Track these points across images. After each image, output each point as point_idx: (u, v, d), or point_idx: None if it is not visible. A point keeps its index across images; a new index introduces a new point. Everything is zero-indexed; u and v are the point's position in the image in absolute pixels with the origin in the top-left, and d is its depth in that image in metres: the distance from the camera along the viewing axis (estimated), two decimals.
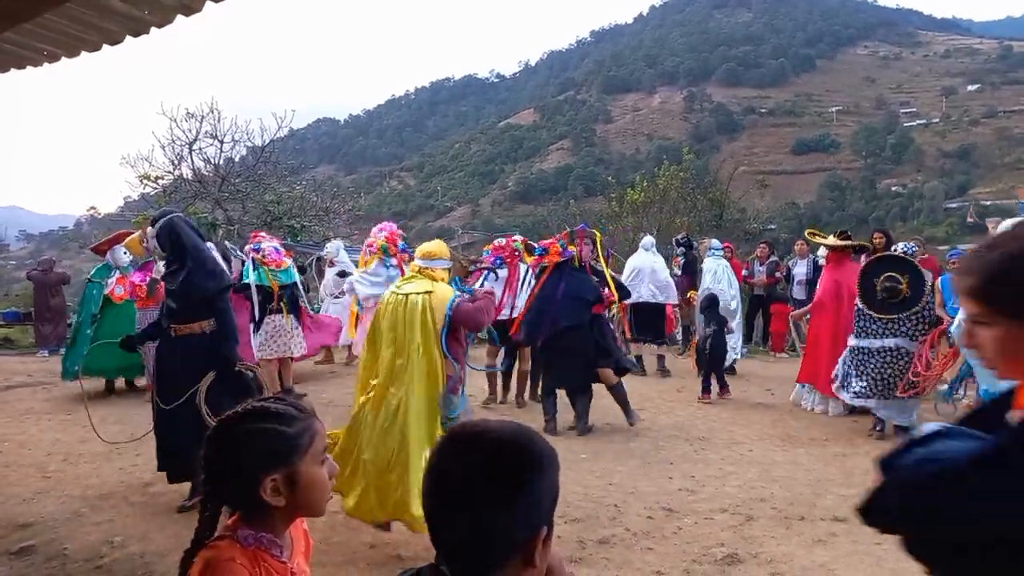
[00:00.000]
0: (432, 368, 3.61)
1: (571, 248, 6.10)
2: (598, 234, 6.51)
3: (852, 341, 5.93)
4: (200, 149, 13.42)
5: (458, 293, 3.74)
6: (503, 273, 6.56)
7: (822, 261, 8.20)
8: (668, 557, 3.55)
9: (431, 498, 1.06)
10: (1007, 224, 4.65)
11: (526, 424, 1.11)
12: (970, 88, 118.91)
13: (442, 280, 3.84)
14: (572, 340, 5.77)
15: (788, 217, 77.61)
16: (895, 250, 6.32)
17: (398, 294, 3.78)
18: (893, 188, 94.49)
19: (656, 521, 4.01)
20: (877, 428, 5.82)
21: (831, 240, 6.88)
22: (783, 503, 4.22)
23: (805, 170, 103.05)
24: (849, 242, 6.75)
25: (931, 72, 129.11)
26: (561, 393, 6.02)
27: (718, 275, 8.83)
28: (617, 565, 3.47)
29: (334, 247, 9.25)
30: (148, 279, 6.92)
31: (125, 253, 7.50)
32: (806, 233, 8.40)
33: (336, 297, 8.98)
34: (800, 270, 9.85)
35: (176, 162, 13.36)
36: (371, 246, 6.63)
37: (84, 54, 3.17)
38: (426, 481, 1.07)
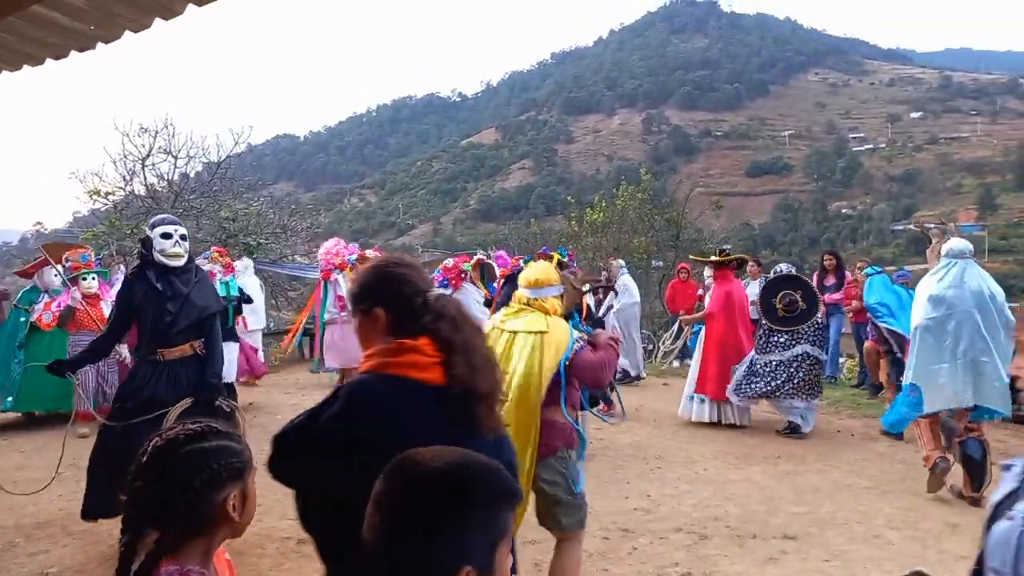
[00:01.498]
0: (527, 420, 2.94)
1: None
2: (555, 255, 6.56)
3: (758, 359, 6.48)
4: (153, 165, 13.13)
5: (578, 336, 3.05)
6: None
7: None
8: None
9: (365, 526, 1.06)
10: (955, 243, 4.91)
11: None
12: (913, 115, 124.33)
13: (554, 312, 3.14)
14: None
15: (743, 238, 79.61)
16: (779, 270, 7.05)
17: (502, 330, 3.12)
18: (843, 210, 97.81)
19: (612, 542, 4.02)
20: (790, 431, 6.42)
21: (712, 258, 7.46)
22: (737, 521, 4.27)
23: (759, 192, 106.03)
24: (728, 257, 7.31)
25: (877, 99, 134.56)
26: None
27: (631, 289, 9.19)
28: None
29: (242, 265, 8.71)
30: (64, 305, 6.60)
31: (56, 276, 7.08)
32: (690, 256, 9.40)
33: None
34: (753, 290, 10.07)
35: (128, 177, 13.04)
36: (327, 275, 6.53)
37: (27, 68, 3.09)
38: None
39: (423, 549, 1.00)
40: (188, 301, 3.89)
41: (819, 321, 6.52)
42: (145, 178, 13.16)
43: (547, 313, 3.10)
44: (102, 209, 13.53)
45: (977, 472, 4.51)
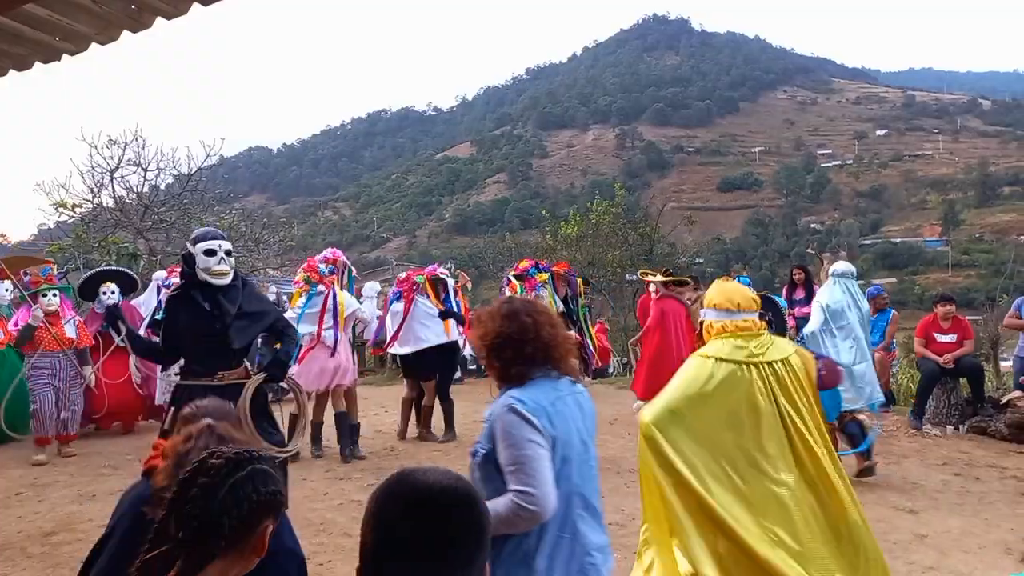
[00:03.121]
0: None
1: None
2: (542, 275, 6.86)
3: None
4: (122, 177, 12.91)
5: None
6: (399, 307, 6.82)
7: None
8: None
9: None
10: (839, 265, 5.90)
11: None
12: (879, 133, 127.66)
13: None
14: None
15: (715, 252, 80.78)
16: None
17: (755, 365, 2.63)
18: (812, 225, 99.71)
19: None
20: None
21: (658, 277, 8.07)
22: None
23: (731, 207, 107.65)
24: (672, 277, 8.13)
25: (844, 117, 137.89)
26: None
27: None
28: None
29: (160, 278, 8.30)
30: (24, 323, 6.20)
31: (7, 291, 6.85)
32: (639, 273, 9.79)
33: None
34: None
35: (96, 190, 12.80)
36: (298, 283, 6.18)
37: None
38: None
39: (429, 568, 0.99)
40: (243, 318, 3.59)
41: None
42: (114, 190, 12.94)
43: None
44: (68, 222, 13.26)
45: (859, 442, 5.15)
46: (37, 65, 2.74)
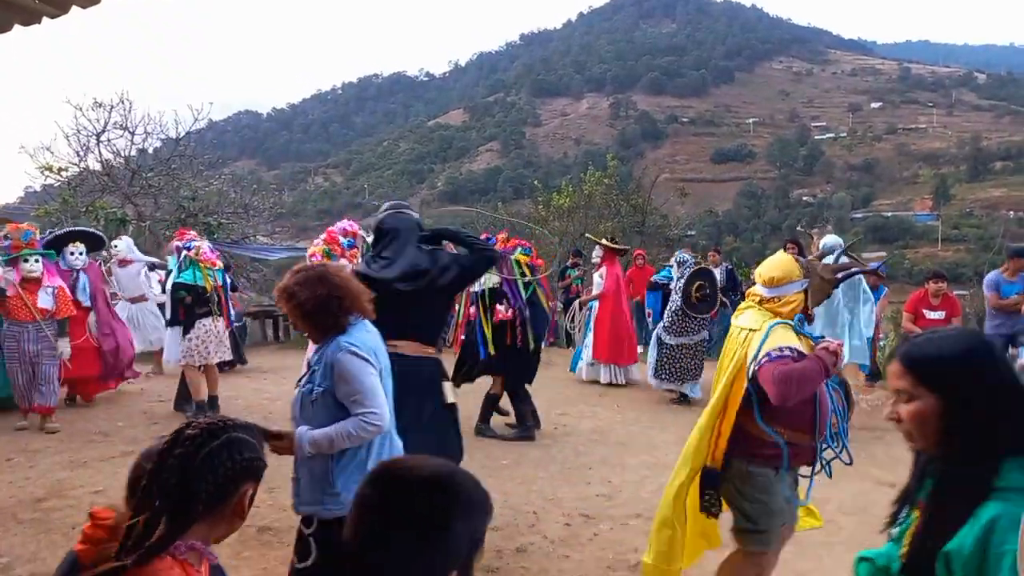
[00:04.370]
0: (703, 422, 2.79)
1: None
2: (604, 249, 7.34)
3: (670, 340, 7.21)
4: (109, 141, 12.69)
5: (776, 348, 2.61)
6: None
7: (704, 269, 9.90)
8: (584, 564, 3.61)
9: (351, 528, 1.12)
10: (828, 239, 6.31)
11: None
12: (874, 106, 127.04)
13: (789, 315, 2.78)
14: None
15: (707, 224, 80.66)
16: (684, 260, 7.79)
17: (734, 325, 2.94)
18: (804, 198, 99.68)
19: (573, 528, 4.08)
20: (682, 400, 7.31)
21: (604, 242, 8.80)
22: None
23: (724, 178, 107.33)
24: (617, 246, 8.88)
25: (839, 89, 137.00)
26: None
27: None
28: (534, 574, 3.50)
29: (124, 245, 8.18)
30: None
31: None
32: (585, 234, 10.64)
33: (135, 301, 8.01)
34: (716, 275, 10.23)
35: (82, 153, 12.59)
36: (313, 255, 5.50)
37: None
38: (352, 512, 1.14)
39: (413, 554, 1.04)
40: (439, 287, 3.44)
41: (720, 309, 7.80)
42: (100, 154, 12.72)
43: (777, 315, 2.76)
44: (55, 185, 13.06)
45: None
46: (17, 28, 2.67)
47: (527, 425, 6.00)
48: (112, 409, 6.86)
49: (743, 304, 3.00)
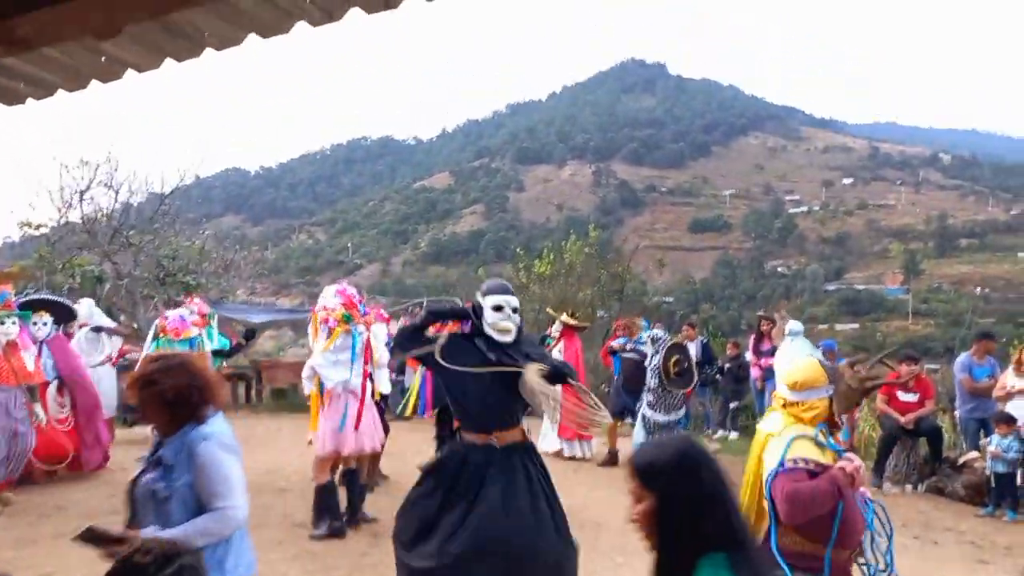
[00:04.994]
0: None
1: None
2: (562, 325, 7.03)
3: (661, 417, 7.21)
4: (92, 198, 12.70)
5: (791, 460, 2.55)
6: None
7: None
8: None
9: None
10: (792, 324, 6.67)
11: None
12: (845, 181, 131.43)
13: (820, 419, 2.73)
14: None
15: (685, 291, 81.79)
16: (658, 336, 7.71)
17: (759, 429, 2.91)
18: (779, 269, 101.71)
19: None
20: None
21: (564, 317, 8.70)
22: None
23: (701, 247, 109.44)
24: (577, 322, 8.81)
25: (812, 165, 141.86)
26: None
27: None
28: None
29: (86, 308, 7.98)
30: None
31: None
32: (547, 309, 10.51)
33: (97, 364, 7.65)
34: (692, 351, 10.30)
35: (64, 209, 12.57)
36: (327, 321, 5.25)
37: None
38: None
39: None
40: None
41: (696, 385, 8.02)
42: (82, 211, 12.70)
43: (799, 421, 2.70)
44: (35, 235, 12.95)
45: None
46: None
47: None
48: (70, 479, 6.59)
49: (770, 406, 3.00)
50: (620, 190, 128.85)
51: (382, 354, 6.15)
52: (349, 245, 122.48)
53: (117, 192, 12.93)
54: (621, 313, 18.37)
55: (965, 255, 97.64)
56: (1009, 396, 6.45)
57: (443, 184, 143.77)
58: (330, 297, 5.36)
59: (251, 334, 7.56)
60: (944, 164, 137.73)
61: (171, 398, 2.29)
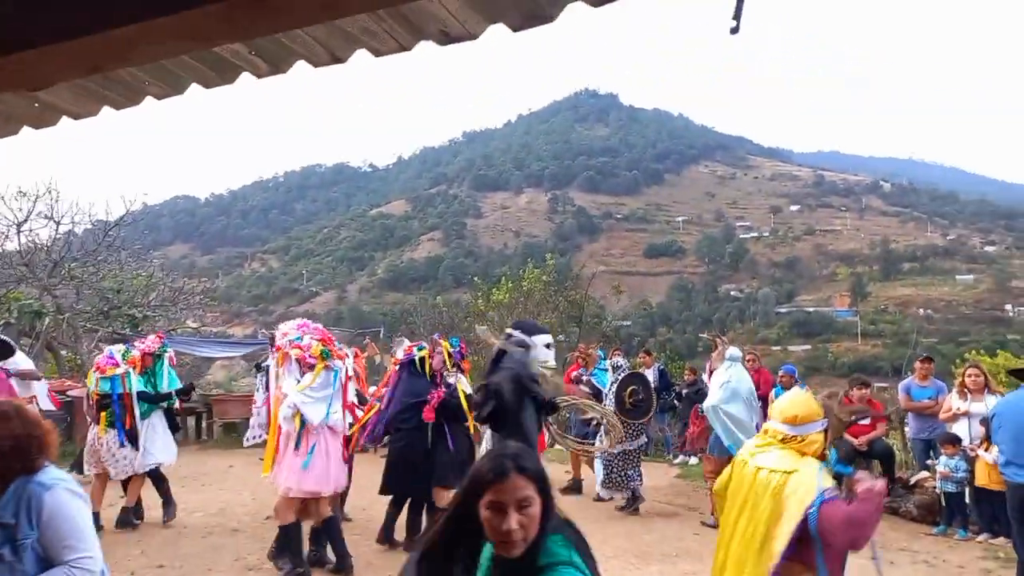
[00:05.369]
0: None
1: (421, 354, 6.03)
2: (445, 345, 6.43)
3: (615, 447, 6.98)
4: (31, 230, 12.21)
5: (827, 488, 2.64)
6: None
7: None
8: None
9: None
10: (732, 350, 6.68)
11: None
12: (792, 208, 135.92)
13: (815, 452, 2.81)
14: (406, 444, 5.56)
15: (641, 315, 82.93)
16: (619, 365, 7.69)
17: (747, 463, 2.88)
18: (732, 292, 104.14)
19: None
20: (629, 506, 7.18)
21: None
22: None
23: (656, 272, 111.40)
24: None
25: (760, 192, 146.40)
26: None
27: None
28: None
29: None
30: None
31: None
32: (477, 326, 10.34)
33: None
34: (650, 377, 10.37)
35: None
36: (303, 358, 5.08)
37: None
38: None
39: None
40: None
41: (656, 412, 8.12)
42: (19, 242, 12.18)
43: (803, 455, 2.76)
44: None
45: None
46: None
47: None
48: None
49: (760, 442, 2.94)
50: (577, 216, 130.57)
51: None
52: (304, 272, 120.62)
53: (58, 223, 12.47)
54: (580, 338, 18.49)
55: (908, 278, 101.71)
56: (955, 417, 6.64)
57: (400, 211, 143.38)
58: (294, 332, 5.21)
59: (187, 390, 7.18)
60: (885, 191, 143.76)
61: (7, 449, 2.05)
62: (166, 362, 6.59)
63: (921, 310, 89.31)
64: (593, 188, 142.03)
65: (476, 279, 24.68)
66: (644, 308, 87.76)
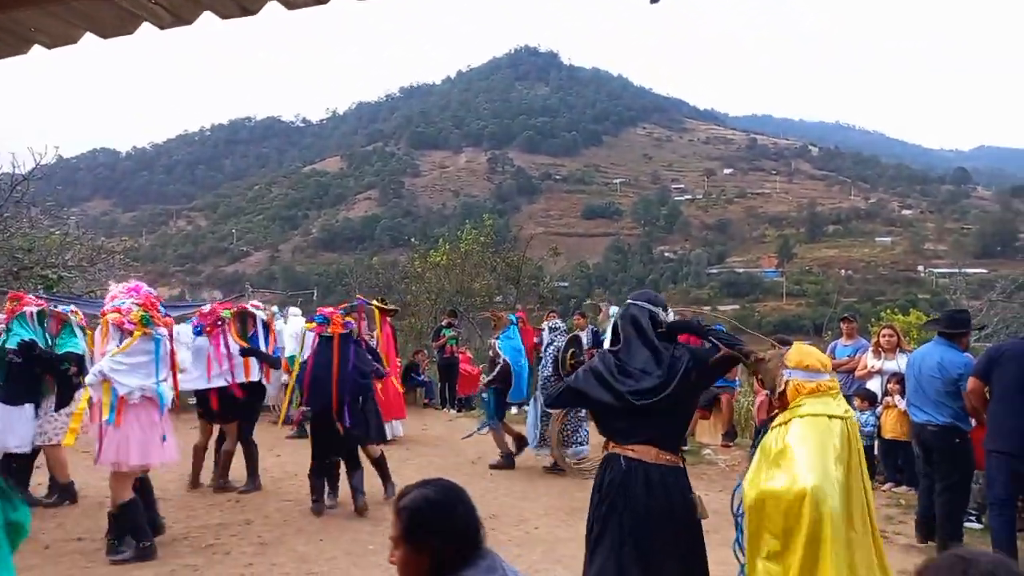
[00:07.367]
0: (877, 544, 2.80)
1: (350, 319, 5.97)
2: (376, 310, 6.36)
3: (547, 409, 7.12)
4: None
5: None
6: (201, 342, 6.07)
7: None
8: None
9: None
10: (614, 309, 6.74)
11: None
12: (726, 171, 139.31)
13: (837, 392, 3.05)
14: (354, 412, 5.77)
15: (579, 276, 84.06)
16: (557, 326, 7.71)
17: (835, 417, 2.81)
18: (666, 254, 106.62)
19: None
20: (557, 468, 7.25)
21: (375, 303, 8.74)
22: None
23: (594, 233, 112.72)
24: (387, 307, 8.99)
25: (695, 155, 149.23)
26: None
27: None
28: None
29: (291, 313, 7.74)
30: None
31: None
32: (359, 296, 10.27)
33: None
34: (585, 339, 10.54)
35: None
36: (121, 323, 4.71)
37: None
38: None
39: None
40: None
41: None
42: None
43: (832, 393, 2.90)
44: None
45: None
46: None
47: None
48: None
49: (817, 394, 2.86)
50: (516, 177, 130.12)
51: (184, 357, 5.64)
52: (233, 231, 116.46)
53: None
54: (518, 299, 18.56)
55: (832, 240, 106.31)
56: (869, 375, 7.01)
57: (335, 168, 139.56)
58: (122, 297, 4.84)
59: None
60: (813, 155, 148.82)
61: None
62: (28, 322, 5.67)
63: (842, 271, 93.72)
64: (533, 148, 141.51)
65: (414, 240, 24.34)
66: (581, 269, 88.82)
